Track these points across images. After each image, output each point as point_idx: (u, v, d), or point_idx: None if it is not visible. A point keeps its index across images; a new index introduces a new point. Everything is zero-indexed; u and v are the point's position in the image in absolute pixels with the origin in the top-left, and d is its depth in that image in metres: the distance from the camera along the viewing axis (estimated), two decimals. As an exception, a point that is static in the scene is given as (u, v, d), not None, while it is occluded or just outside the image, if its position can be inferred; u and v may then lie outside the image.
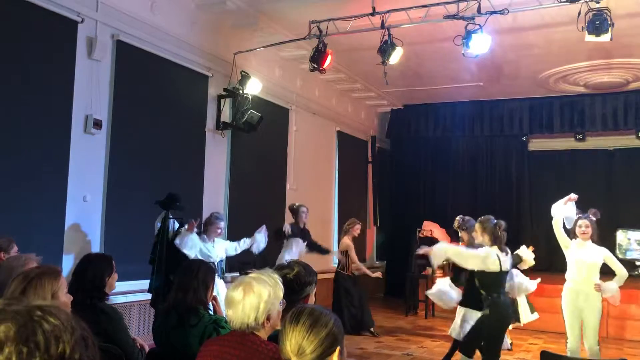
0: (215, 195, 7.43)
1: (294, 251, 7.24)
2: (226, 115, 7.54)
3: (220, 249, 6.06)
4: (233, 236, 7.52)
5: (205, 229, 6.01)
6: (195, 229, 5.77)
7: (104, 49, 5.77)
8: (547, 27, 7.33)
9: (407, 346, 7.07)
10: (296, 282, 2.68)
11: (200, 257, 5.70)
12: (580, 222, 5.29)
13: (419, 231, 9.75)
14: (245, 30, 7.53)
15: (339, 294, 7.84)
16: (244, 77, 7.33)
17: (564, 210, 5.38)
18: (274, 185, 8.62)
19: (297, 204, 7.58)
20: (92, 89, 5.67)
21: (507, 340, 7.02)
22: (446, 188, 11.68)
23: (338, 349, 1.70)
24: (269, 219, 8.00)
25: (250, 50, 7.44)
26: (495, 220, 4.92)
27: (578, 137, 11.14)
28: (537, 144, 11.93)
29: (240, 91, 7.34)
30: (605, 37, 5.35)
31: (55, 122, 5.35)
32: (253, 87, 7.40)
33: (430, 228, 9.76)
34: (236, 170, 7.74)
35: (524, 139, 11.67)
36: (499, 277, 4.80)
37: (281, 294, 2.25)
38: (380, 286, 11.35)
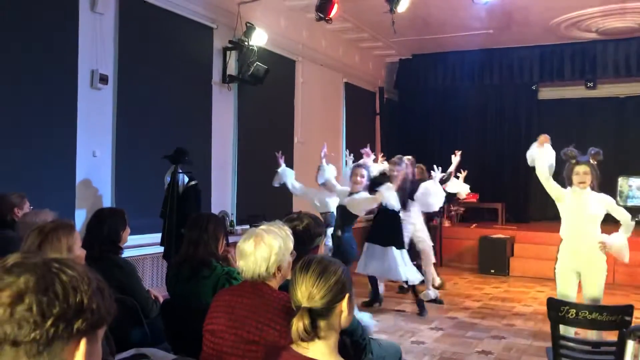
0: (223, 148, 7.44)
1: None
2: (232, 68, 7.47)
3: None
4: (241, 189, 7.60)
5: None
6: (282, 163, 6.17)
7: (107, 2, 5.68)
8: (559, -29, 7.12)
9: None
10: (306, 234, 2.73)
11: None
12: (577, 167, 4.38)
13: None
14: (249, -20, 7.37)
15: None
16: (249, 28, 7.21)
17: (543, 156, 4.62)
18: (281, 139, 8.61)
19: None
20: (96, 43, 5.62)
21: (437, 279, 7.28)
22: (455, 138, 11.61)
23: (347, 295, 1.75)
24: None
25: (254, 0, 7.30)
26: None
27: (589, 85, 10.97)
28: (547, 93, 11.78)
29: (246, 43, 7.24)
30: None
31: (61, 78, 5.32)
32: (258, 39, 7.29)
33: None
34: (243, 124, 7.72)
35: (533, 87, 11.52)
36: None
37: (291, 245, 2.29)
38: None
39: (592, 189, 4.41)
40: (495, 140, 11.54)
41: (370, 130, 11.55)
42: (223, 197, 7.37)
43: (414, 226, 6.81)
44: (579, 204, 4.37)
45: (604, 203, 4.37)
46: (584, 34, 9.74)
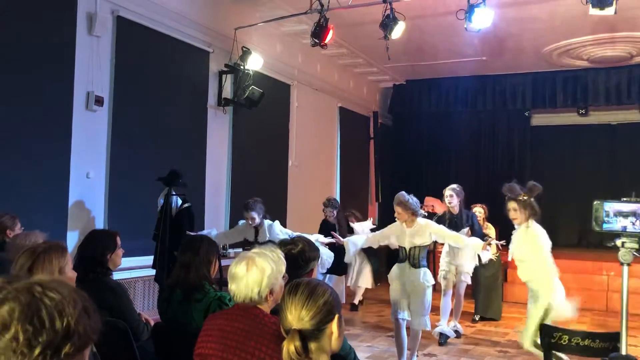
0: (217, 171, 7.45)
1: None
2: (227, 92, 7.52)
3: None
4: (235, 213, 7.58)
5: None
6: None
7: (104, 25, 5.73)
8: (550, 1, 7.25)
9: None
10: (301, 258, 2.73)
11: None
12: (508, 204, 4.44)
13: (421, 207, 9.76)
14: (245, 5, 7.47)
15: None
16: (245, 52, 7.28)
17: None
18: (276, 162, 8.63)
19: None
20: (92, 65, 5.65)
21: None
22: (448, 164, 11.69)
23: (337, 317, 1.75)
24: (272, 195, 8.04)
25: (251, 25, 7.39)
26: None
27: (581, 112, 11.10)
28: (539, 119, 11.90)
29: (242, 67, 7.31)
30: (609, 11, 5.30)
31: (57, 99, 5.34)
32: (254, 63, 7.36)
33: (432, 204, 9.78)
34: (238, 147, 7.74)
35: (526, 114, 11.64)
36: None
37: (283, 268, 2.28)
38: (383, 261, 11.42)
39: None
40: (488, 165, 11.59)
41: (364, 155, 11.60)
42: (217, 219, 7.36)
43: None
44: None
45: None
46: (576, 61, 9.88)
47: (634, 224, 2.62)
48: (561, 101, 10.54)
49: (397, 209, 4.90)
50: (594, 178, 11.04)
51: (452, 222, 6.22)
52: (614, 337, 3.09)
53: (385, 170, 11.87)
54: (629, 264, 2.72)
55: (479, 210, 7.02)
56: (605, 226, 2.67)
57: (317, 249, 2.78)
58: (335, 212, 7.35)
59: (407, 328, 5.14)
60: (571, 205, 10.87)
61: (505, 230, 8.32)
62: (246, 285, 2.21)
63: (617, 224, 2.65)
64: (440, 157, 11.81)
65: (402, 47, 8.50)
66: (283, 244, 2.77)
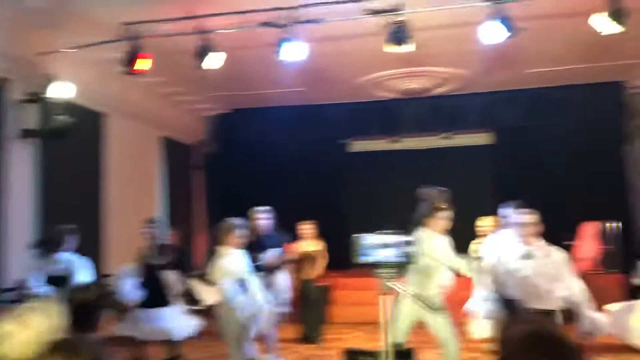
0: (19, 210, 6.74)
1: None
2: (32, 122, 6.88)
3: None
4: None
5: None
6: None
7: None
8: (359, 37, 7.73)
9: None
10: (93, 305, 2.53)
11: None
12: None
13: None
14: (47, 30, 6.92)
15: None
16: (51, 80, 6.76)
17: None
18: (89, 197, 8.08)
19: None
20: None
21: None
22: (274, 190, 11.84)
23: None
24: (86, 232, 7.49)
25: (55, 51, 6.86)
26: None
27: (393, 139, 12.03)
28: (356, 146, 12.69)
29: (47, 96, 6.76)
30: (405, 48, 5.79)
31: None
32: (61, 91, 6.85)
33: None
34: (45, 182, 7.10)
35: (343, 141, 12.33)
36: None
37: (62, 321, 2.08)
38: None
39: None
40: (309, 191, 11.89)
41: (192, 184, 11.38)
42: (23, 263, 6.64)
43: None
44: None
45: None
46: (387, 93, 10.67)
47: (390, 254, 2.76)
48: (377, 130, 11.36)
49: (234, 235, 5.47)
50: (403, 200, 11.90)
51: (258, 244, 6.70)
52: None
53: (214, 199, 11.72)
54: (389, 293, 2.84)
55: (307, 227, 7.58)
56: (362, 258, 2.82)
57: (111, 294, 2.60)
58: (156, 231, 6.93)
59: None
60: (380, 226, 11.58)
61: (331, 247, 8.68)
62: (20, 344, 1.97)
63: (376, 255, 2.80)
64: (266, 184, 11.94)
65: (224, 77, 8.48)
66: (75, 291, 2.56)
